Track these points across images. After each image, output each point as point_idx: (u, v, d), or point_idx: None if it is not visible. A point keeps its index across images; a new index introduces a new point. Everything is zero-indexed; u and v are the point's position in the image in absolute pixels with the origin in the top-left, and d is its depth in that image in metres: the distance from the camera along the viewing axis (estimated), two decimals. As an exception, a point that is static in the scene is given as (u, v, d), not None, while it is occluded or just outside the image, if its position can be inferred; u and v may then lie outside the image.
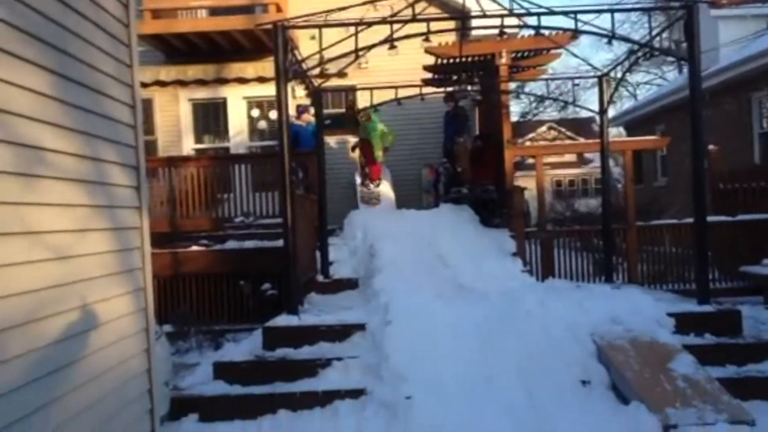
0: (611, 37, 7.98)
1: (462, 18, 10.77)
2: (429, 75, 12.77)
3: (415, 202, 13.75)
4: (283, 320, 7.55)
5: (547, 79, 12.96)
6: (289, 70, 7.93)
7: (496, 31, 8.46)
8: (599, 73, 10.62)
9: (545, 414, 5.81)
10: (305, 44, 10.54)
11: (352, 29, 7.80)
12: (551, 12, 7.91)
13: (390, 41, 7.93)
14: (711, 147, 13.54)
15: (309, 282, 9.46)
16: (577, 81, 11.89)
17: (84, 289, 3.66)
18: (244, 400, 6.31)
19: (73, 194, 3.62)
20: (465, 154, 12.32)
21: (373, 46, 8.02)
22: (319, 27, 7.87)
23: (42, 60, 3.38)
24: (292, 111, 11.50)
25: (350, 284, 9.71)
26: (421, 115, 14.18)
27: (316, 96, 10.34)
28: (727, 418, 5.46)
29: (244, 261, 10.05)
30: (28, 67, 3.27)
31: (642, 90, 36.25)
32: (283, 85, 7.72)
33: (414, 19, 7.89)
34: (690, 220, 9.21)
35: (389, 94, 10.83)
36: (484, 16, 8.21)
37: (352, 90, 14.07)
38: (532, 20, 8.08)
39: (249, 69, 14.42)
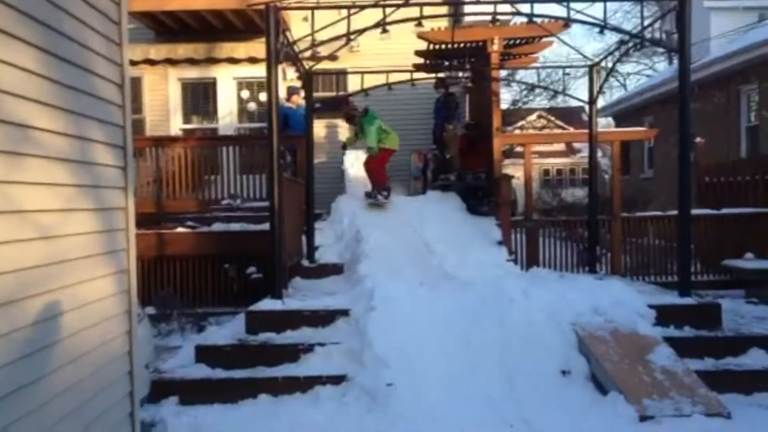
0: (603, 26, 7.99)
1: (455, 3, 10.73)
2: (420, 60, 12.73)
3: (403, 188, 13.72)
4: (267, 304, 7.56)
5: (538, 68, 12.98)
6: (281, 52, 7.89)
7: (488, 17, 8.45)
8: (590, 63, 10.63)
9: (524, 403, 5.87)
10: (297, 26, 10.48)
11: (344, 12, 7.77)
12: None
13: (382, 25, 7.91)
14: (698, 140, 13.61)
15: (294, 266, 9.46)
16: (567, 70, 11.91)
17: (68, 269, 3.65)
18: (225, 383, 6.32)
19: (59, 173, 3.60)
20: (454, 141, 12.32)
21: (366, 29, 8.00)
22: (312, 9, 7.84)
23: (29, 36, 3.35)
24: (282, 93, 11.46)
25: (335, 269, 9.71)
26: (412, 100, 14.15)
27: (307, 79, 10.29)
28: (703, 411, 5.54)
29: (229, 244, 10.03)
30: (15, 44, 3.23)
31: (632, 81, 36.33)
32: (274, 67, 7.69)
33: (407, 3, 7.87)
34: (674, 212, 9.27)
35: (380, 79, 10.80)
36: (478, 2, 8.22)
37: (343, 73, 14.04)
38: (524, 8, 8.09)
39: (240, 49, 14.32)
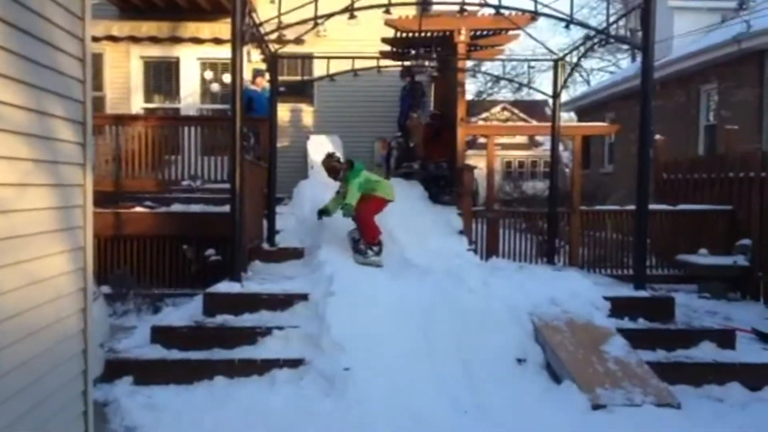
0: (569, 21, 8.06)
1: (423, -8, 10.76)
2: (387, 48, 12.71)
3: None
4: (225, 287, 7.51)
5: (503, 60, 13.03)
6: (246, 33, 7.81)
7: (456, 7, 8.44)
8: (555, 57, 10.72)
9: (480, 390, 5.92)
10: (264, 8, 10.36)
11: (312, -5, 7.70)
12: (512, -8, 7.94)
13: (350, 11, 7.86)
14: (658, 137, 13.82)
15: (254, 249, 9.40)
16: (532, 63, 12.01)
17: (22, 244, 3.58)
18: (180, 364, 6.26)
19: (16, 147, 3.52)
20: (419, 129, 12.33)
21: (333, 14, 7.95)
22: (279, -9, 7.75)
23: (-13, 6, 3.27)
24: (247, 75, 11.35)
25: (296, 254, 9.67)
26: (377, 88, 14.13)
27: (273, 62, 10.20)
28: (654, 401, 5.65)
29: (188, 225, 9.93)
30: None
31: (595, 77, 36.73)
32: (239, 48, 7.61)
33: (375, -11, 7.83)
34: (632, 207, 9.42)
35: (346, 65, 10.75)
36: (445, -8, 8.20)
37: (309, 58, 13.95)
38: (492, -1, 8.11)
39: (205, 29, 14.13)
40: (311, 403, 5.56)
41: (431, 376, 6.09)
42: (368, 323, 6.65)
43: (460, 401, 5.71)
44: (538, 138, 34.57)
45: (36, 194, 3.76)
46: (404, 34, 12.02)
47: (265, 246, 9.77)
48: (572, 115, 26.98)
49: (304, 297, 7.31)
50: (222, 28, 13.46)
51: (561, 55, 10.84)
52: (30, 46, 3.67)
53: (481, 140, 20.57)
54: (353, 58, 10.59)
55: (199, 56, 14.70)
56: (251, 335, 6.69)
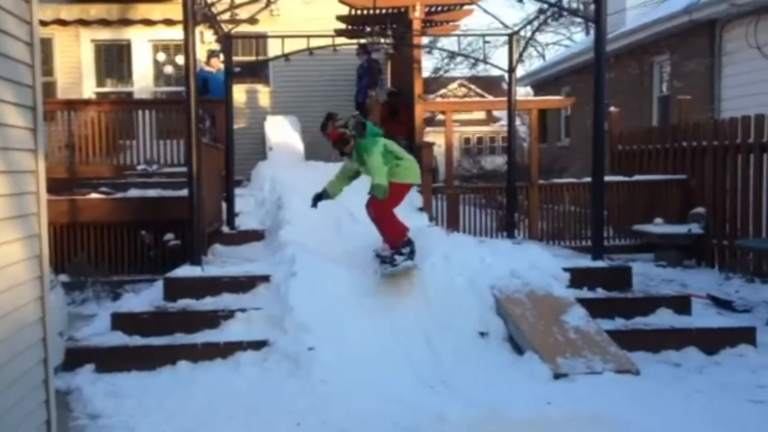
0: (522, -5, 8.09)
1: (377, -31, 10.67)
2: (342, 26, 12.62)
3: (325, 154, 13.66)
4: (185, 271, 7.44)
5: (459, 35, 13.06)
6: (198, 13, 7.68)
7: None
8: (509, 32, 10.75)
9: (444, 365, 5.99)
10: (215, -13, 10.21)
11: (264, -26, 7.62)
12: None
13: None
14: (612, 109, 13.99)
15: (214, 233, 9.33)
16: (488, 38, 12.00)
17: (-27, 234, 3.52)
18: (142, 351, 6.21)
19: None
20: (376, 108, 12.31)
21: (285, -7, 7.87)
22: (230, -30, 7.64)
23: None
24: (201, 56, 11.20)
25: (256, 236, 9.62)
26: (334, 67, 14.05)
27: (226, 42, 10.07)
28: (614, 368, 5.77)
29: (146, 210, 9.80)
30: None
31: (550, 51, 36.99)
32: (191, 29, 7.48)
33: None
34: (589, 179, 9.55)
35: (301, 44, 10.66)
36: (399, -33, 8.16)
37: (263, 37, 13.80)
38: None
39: (156, 11, 13.89)
40: (276, 383, 5.56)
41: (396, 353, 6.13)
42: (332, 303, 6.64)
43: (425, 376, 5.76)
44: (496, 113, 34.79)
45: (-14, 182, 3.69)
46: (359, 12, 11.96)
47: (225, 229, 9.69)
48: (529, 89, 27.16)
49: (266, 279, 7.28)
50: (173, 8, 13.23)
51: (515, 29, 10.88)
52: (-27, 30, 3.57)
53: (440, 117, 20.66)
54: (308, 36, 10.48)
55: (150, 38, 14.46)
56: (214, 319, 6.65)
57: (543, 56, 36.70)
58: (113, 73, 14.88)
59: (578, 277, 7.44)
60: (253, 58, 13.91)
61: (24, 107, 4.14)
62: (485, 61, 11.73)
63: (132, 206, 9.83)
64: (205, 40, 12.87)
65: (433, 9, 11.71)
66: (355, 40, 12.47)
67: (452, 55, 23.10)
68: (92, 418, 5.03)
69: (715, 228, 10.90)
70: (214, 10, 8.54)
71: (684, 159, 11.81)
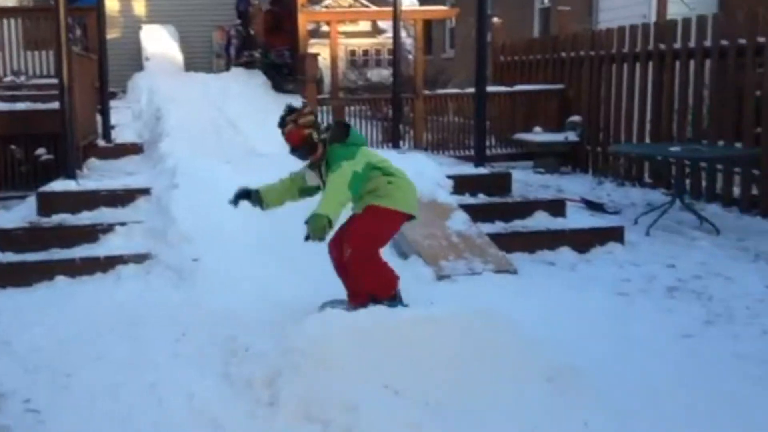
0: None
1: None
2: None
3: (205, 65, 13.23)
4: (59, 185, 7.10)
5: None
6: None
7: None
8: (393, -62, 10.53)
9: (331, 269, 6.04)
10: None
11: None
12: None
13: None
14: (495, 20, 14.12)
15: (89, 147, 8.90)
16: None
17: None
18: (17, 267, 5.94)
19: None
20: (259, 16, 11.95)
21: None
22: None
23: None
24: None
25: (135, 149, 9.27)
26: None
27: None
28: (493, 268, 6.01)
29: (15, 124, 9.18)
30: None
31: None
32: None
33: None
34: (472, 90, 9.68)
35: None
36: None
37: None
38: None
39: None
40: (160, 295, 5.46)
41: (284, 260, 6.10)
42: (215, 214, 6.50)
43: (312, 280, 5.78)
44: (382, 25, 34.42)
45: None
46: None
47: (101, 142, 9.27)
48: (415, 0, 26.96)
49: (146, 191, 7.06)
50: None
51: (399, -65, 10.65)
52: None
53: (324, 29, 20.23)
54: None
55: (9, -61, 13.35)
56: (92, 233, 6.41)
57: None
58: (-30, -22, 13.71)
59: (461, 184, 7.61)
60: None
61: None
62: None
63: (0, 120, 9.23)
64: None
65: None
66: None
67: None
68: (-37, 336, 4.82)
69: (590, 135, 11.35)
70: None
71: (563, 69, 12.12)
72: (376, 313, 4.14)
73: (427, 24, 17.47)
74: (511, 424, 3.44)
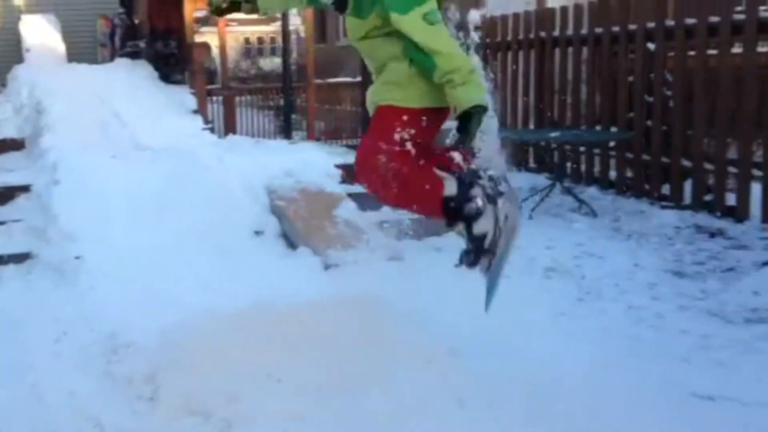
0: None
1: None
2: None
3: (89, 56, 12.81)
4: (-71, 184, 6.83)
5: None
6: None
7: None
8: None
9: (220, 263, 6.04)
10: None
11: None
12: None
13: None
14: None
15: (-36, 143, 8.58)
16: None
17: None
18: None
19: None
20: (143, 4, 11.69)
21: None
22: None
23: None
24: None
25: (15, 144, 8.95)
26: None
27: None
28: (381, 256, 6.14)
29: None
30: None
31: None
32: None
33: None
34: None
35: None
36: None
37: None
38: None
39: None
40: (42, 295, 5.35)
41: (170, 255, 6.06)
42: (99, 211, 6.42)
43: (201, 275, 5.79)
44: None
45: None
46: None
47: (-21, 139, 8.93)
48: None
49: (26, 189, 6.88)
50: None
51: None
52: None
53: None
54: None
55: None
56: (-32, 234, 6.21)
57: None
58: None
59: (351, 174, 7.71)
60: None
61: None
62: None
63: None
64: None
65: None
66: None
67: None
68: None
69: (478, 123, 11.64)
70: None
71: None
72: (256, 302, 4.21)
73: (321, 12, 17.46)
74: (389, 404, 3.59)
